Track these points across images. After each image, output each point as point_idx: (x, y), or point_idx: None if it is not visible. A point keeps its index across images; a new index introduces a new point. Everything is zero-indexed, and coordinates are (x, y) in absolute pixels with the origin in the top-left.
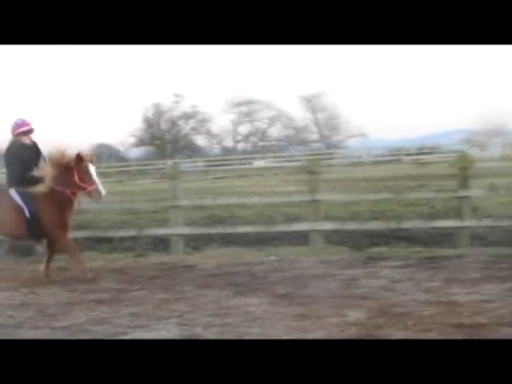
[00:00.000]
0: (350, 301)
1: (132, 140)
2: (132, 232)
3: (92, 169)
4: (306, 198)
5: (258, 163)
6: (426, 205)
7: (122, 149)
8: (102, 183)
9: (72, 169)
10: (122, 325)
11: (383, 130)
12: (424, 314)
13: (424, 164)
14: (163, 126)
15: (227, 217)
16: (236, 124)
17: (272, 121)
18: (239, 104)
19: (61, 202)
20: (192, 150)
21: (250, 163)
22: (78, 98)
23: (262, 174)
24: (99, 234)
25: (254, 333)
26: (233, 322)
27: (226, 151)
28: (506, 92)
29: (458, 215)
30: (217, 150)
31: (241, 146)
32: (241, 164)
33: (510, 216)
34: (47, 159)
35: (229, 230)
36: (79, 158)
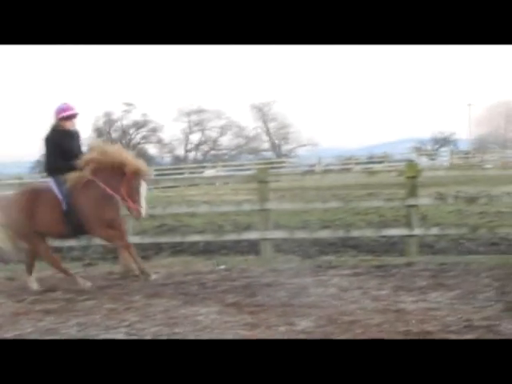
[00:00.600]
0: (298, 309)
1: (83, 149)
2: (81, 241)
3: (143, 188)
4: (256, 206)
5: (209, 172)
6: (375, 213)
7: None
8: None
9: (123, 175)
10: (70, 335)
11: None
12: (372, 323)
13: (373, 173)
14: (114, 134)
15: (177, 226)
16: (187, 133)
17: (223, 130)
18: (190, 113)
19: (99, 195)
20: (143, 159)
21: (201, 172)
22: (27, 105)
23: (213, 182)
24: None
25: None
26: (182, 331)
27: (177, 160)
28: (455, 102)
29: (407, 224)
30: (168, 158)
31: (192, 154)
32: (192, 173)
33: (457, 224)
34: (96, 146)
35: (178, 239)
36: (137, 171)
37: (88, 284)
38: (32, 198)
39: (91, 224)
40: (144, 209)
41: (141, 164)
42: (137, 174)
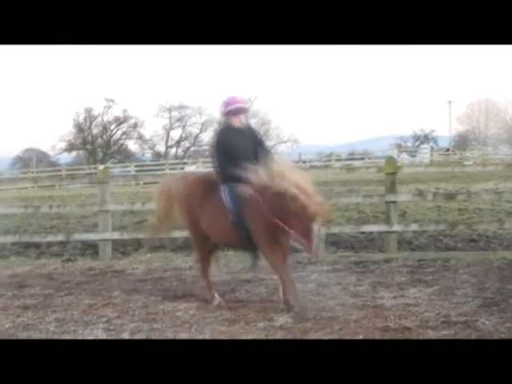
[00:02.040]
0: (278, 305)
1: (63, 145)
2: (60, 237)
3: (315, 229)
4: None
5: (190, 168)
6: (355, 210)
7: (52, 153)
8: (32, 187)
9: (299, 215)
10: (48, 331)
11: (315, 135)
12: (351, 318)
13: (353, 169)
14: (94, 130)
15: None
16: (168, 129)
17: (204, 126)
18: (171, 109)
19: (269, 221)
20: (124, 155)
21: (182, 168)
22: (6, 101)
23: None
24: (27, 239)
25: (182, 338)
26: (160, 327)
27: (158, 156)
28: (436, 100)
29: (386, 220)
30: (149, 154)
31: (173, 151)
32: (172, 169)
33: (435, 221)
34: (274, 168)
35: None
36: (315, 217)
37: (217, 301)
38: (200, 191)
39: (259, 240)
40: (317, 247)
41: (321, 208)
42: (311, 216)
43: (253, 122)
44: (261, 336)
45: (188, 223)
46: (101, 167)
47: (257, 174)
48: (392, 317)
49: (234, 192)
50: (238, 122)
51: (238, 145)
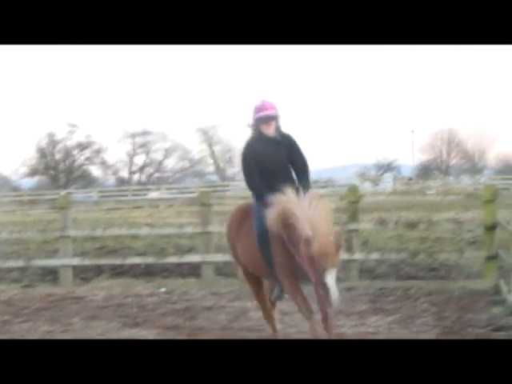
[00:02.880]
0: (238, 333)
1: (25, 169)
2: (20, 262)
3: (329, 278)
4: (198, 229)
5: (153, 194)
6: None
7: (14, 178)
8: None
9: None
10: None
11: None
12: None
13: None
14: (57, 155)
15: (119, 248)
16: (131, 155)
17: (167, 152)
18: (134, 135)
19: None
20: (86, 181)
21: (145, 194)
22: None
23: (157, 205)
24: None
25: None
26: None
27: (121, 182)
28: (399, 129)
29: (348, 248)
30: (112, 180)
31: (136, 176)
32: (135, 195)
33: (397, 249)
34: (294, 199)
35: (119, 261)
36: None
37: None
38: (239, 216)
39: (279, 272)
40: (334, 295)
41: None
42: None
43: (216, 149)
44: None
45: (230, 250)
46: (62, 193)
47: (277, 203)
48: None
49: (259, 215)
50: (268, 130)
51: (267, 157)
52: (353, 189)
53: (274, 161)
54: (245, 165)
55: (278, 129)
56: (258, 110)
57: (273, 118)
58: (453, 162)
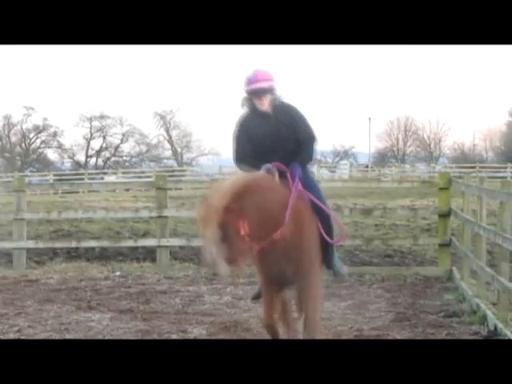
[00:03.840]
0: (192, 317)
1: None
2: None
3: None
4: (154, 213)
5: (109, 178)
6: None
7: None
8: None
9: None
10: None
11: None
12: (264, 331)
13: None
14: (13, 138)
15: (74, 231)
16: (88, 139)
17: (125, 136)
18: (91, 118)
19: None
20: (43, 164)
21: (102, 178)
22: None
23: (114, 189)
24: None
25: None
26: (73, 337)
27: (78, 166)
28: (356, 116)
29: None
30: (68, 164)
31: (93, 160)
32: (92, 179)
33: (352, 236)
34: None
35: (73, 244)
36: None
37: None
38: None
39: None
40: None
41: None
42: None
43: (174, 134)
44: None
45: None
46: (17, 175)
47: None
48: None
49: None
50: (262, 104)
51: (262, 134)
52: None
53: (269, 138)
54: (236, 145)
55: (276, 101)
56: (249, 81)
57: (266, 91)
58: (409, 149)
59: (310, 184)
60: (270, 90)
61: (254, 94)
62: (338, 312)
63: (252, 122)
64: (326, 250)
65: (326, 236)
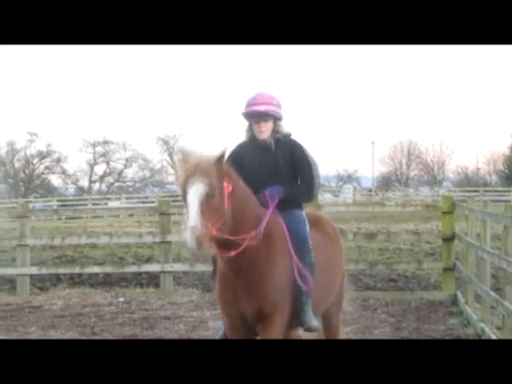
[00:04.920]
0: None
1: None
2: None
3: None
4: (157, 239)
5: (113, 204)
6: None
7: None
8: None
9: None
10: None
11: None
12: None
13: None
14: (17, 164)
15: (77, 257)
16: (92, 164)
17: (128, 161)
18: (95, 144)
19: None
20: (46, 190)
21: (105, 203)
22: None
23: (118, 214)
24: None
25: None
26: None
27: (82, 191)
28: (359, 140)
29: None
30: (72, 189)
31: (96, 186)
32: (95, 204)
33: (356, 260)
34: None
35: (77, 270)
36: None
37: None
38: None
39: None
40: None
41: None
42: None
43: (177, 159)
44: None
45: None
46: (21, 201)
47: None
48: None
49: None
50: (260, 131)
51: (254, 166)
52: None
53: (263, 171)
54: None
55: (279, 133)
56: (248, 103)
57: (265, 116)
58: (412, 173)
59: (295, 231)
60: (268, 115)
61: (251, 119)
62: (342, 337)
63: (248, 149)
64: (299, 299)
65: (299, 281)
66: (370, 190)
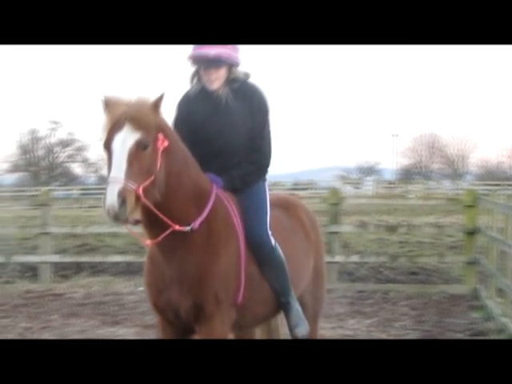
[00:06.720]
0: None
1: (6, 166)
2: None
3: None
4: None
5: None
6: None
7: None
8: None
9: None
10: None
11: None
12: None
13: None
14: (39, 152)
15: (99, 246)
16: None
17: None
18: None
19: None
20: (68, 178)
21: None
22: None
23: None
24: None
25: None
26: None
27: (103, 180)
28: (381, 133)
29: (328, 251)
30: (93, 178)
31: None
32: None
33: (377, 253)
34: None
35: (99, 259)
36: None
37: None
38: None
39: None
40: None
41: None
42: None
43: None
44: None
45: None
46: (44, 189)
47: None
48: None
49: None
50: (209, 80)
51: (201, 121)
52: (335, 191)
53: (210, 128)
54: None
55: (235, 80)
56: (195, 46)
57: (216, 62)
58: (434, 166)
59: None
60: (220, 61)
61: (200, 64)
62: (362, 329)
63: (195, 105)
64: (285, 306)
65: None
66: (392, 183)
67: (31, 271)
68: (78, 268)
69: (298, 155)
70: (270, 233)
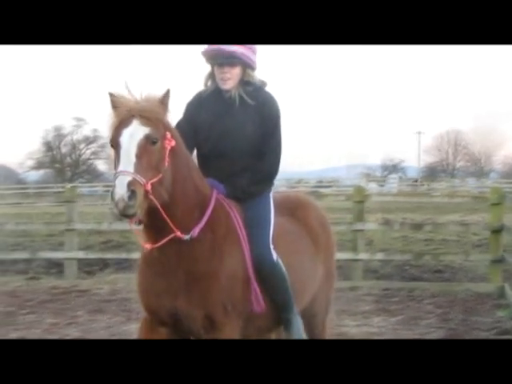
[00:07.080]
0: None
1: (31, 162)
2: (25, 255)
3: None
4: None
5: None
6: None
7: (20, 171)
8: None
9: None
10: None
11: (284, 161)
12: None
13: (322, 196)
14: (63, 149)
15: (124, 242)
16: None
17: None
18: None
19: None
20: (92, 175)
21: None
22: None
23: None
24: None
25: None
26: None
27: None
28: (405, 130)
29: (353, 248)
30: None
31: None
32: None
33: (401, 251)
34: None
35: (123, 255)
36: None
37: None
38: None
39: None
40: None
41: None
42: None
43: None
44: None
45: None
46: (69, 186)
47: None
48: None
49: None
50: (223, 80)
51: (209, 123)
52: (359, 189)
53: (214, 129)
54: (180, 131)
55: (250, 84)
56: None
57: (230, 58)
58: (459, 164)
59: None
60: (235, 57)
61: (213, 61)
62: (388, 327)
63: (204, 105)
64: (285, 323)
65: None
66: (416, 181)
67: (57, 267)
68: (103, 264)
69: (321, 152)
70: (271, 247)
